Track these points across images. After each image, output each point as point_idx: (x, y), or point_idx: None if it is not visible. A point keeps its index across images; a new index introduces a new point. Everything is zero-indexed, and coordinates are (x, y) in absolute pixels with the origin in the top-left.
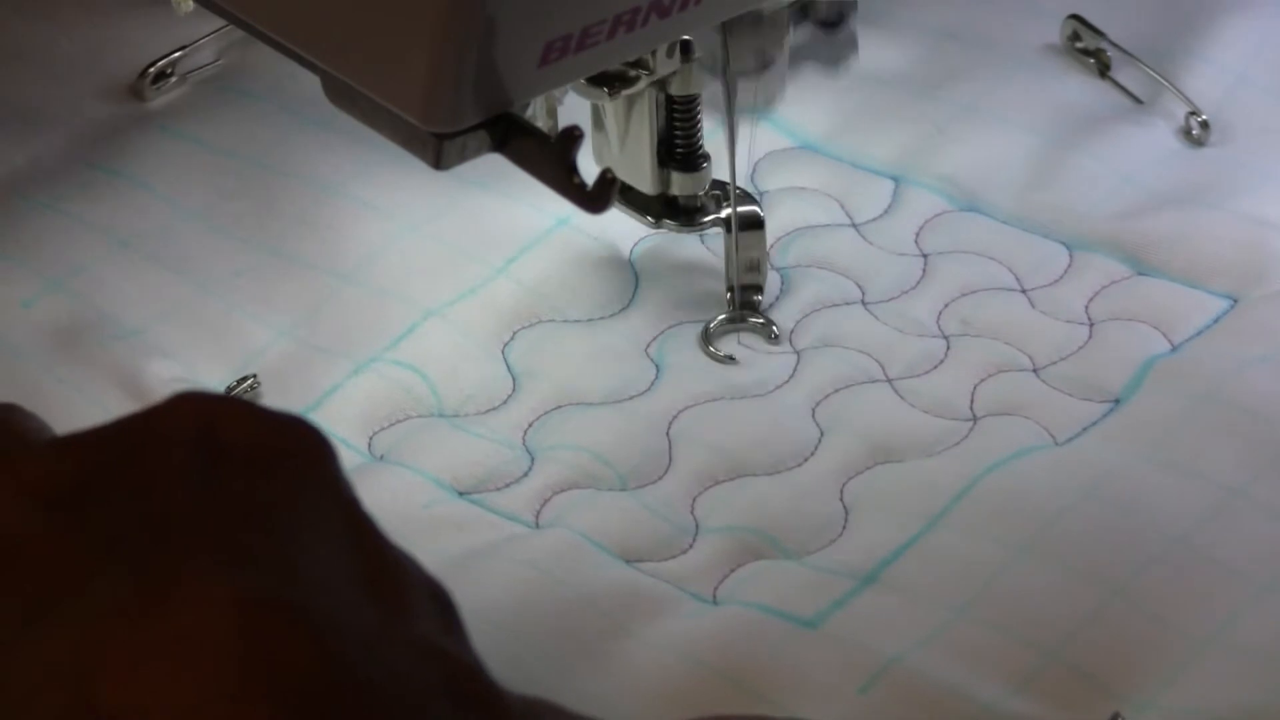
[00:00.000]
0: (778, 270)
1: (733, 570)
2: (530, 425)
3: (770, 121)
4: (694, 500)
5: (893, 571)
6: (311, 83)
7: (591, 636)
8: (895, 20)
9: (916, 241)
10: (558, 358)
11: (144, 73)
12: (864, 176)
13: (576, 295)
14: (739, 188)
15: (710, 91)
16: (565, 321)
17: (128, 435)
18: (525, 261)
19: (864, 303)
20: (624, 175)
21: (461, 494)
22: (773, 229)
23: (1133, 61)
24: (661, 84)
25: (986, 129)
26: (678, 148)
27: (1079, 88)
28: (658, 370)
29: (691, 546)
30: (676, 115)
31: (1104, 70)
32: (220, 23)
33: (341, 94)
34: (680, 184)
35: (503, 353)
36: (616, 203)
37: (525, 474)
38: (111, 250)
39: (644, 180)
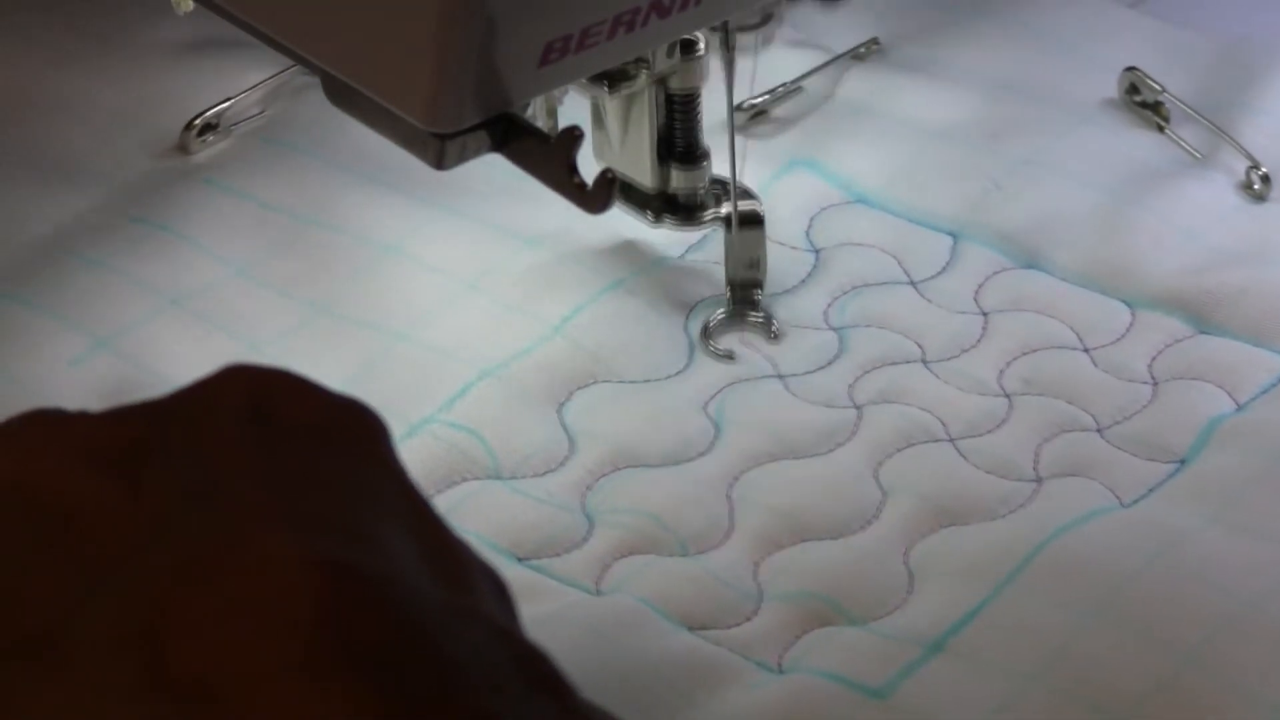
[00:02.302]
0: (835, 330)
1: (798, 638)
2: (589, 488)
3: (824, 175)
4: (757, 565)
5: (961, 639)
6: (358, 136)
7: (656, 706)
8: (950, 73)
9: (976, 299)
10: (615, 418)
11: (189, 125)
12: (921, 232)
13: (633, 355)
14: (739, 184)
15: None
16: (622, 382)
17: (181, 404)
18: (580, 321)
19: (924, 361)
20: (624, 172)
21: (521, 560)
22: (829, 287)
23: (1192, 115)
24: (661, 80)
25: (1045, 184)
26: (677, 144)
27: (1138, 142)
28: (717, 430)
29: (756, 613)
30: (676, 112)
31: (1162, 124)
32: (263, 74)
33: (341, 95)
34: (680, 180)
35: (559, 414)
36: (617, 201)
37: (585, 539)
38: (160, 308)
39: (644, 177)
